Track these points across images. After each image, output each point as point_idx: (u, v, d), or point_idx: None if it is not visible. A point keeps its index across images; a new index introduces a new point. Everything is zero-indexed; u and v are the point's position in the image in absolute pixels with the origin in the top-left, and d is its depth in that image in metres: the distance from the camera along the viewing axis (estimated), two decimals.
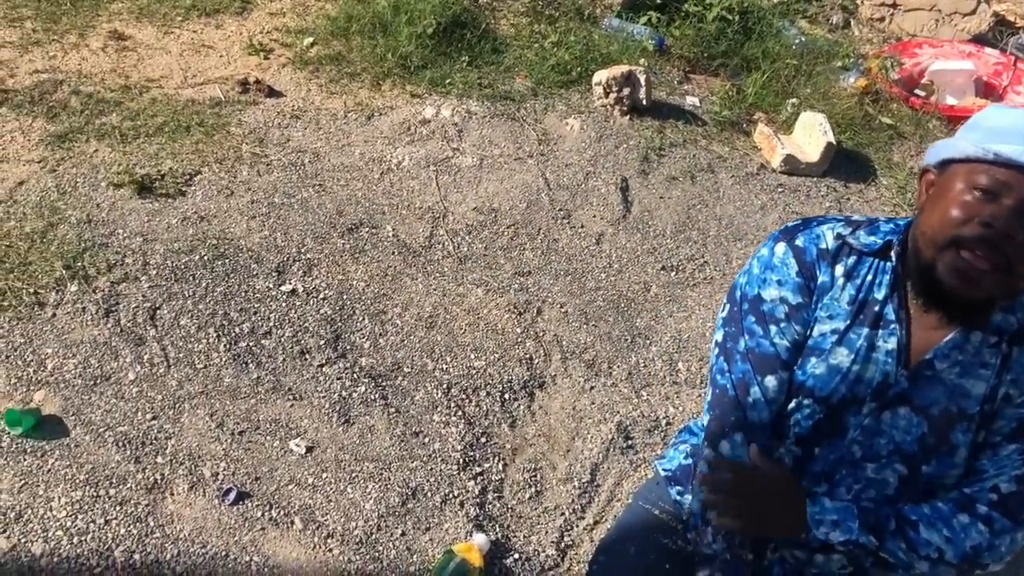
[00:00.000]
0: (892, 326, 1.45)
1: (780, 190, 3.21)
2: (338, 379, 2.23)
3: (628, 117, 3.32)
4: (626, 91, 3.30)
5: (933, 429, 1.51)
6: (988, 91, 4.09)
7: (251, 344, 2.27)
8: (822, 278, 1.46)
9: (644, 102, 3.35)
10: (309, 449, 2.07)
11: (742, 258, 2.89)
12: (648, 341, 2.55)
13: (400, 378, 2.28)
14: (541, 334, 2.48)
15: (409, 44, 3.42)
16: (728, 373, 1.54)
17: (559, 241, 2.77)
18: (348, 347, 2.32)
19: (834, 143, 3.28)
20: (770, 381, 1.50)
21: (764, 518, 1.53)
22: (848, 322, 1.46)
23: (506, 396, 2.30)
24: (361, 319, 2.40)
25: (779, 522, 1.53)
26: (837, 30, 4.47)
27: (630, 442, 2.25)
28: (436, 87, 3.31)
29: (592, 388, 2.38)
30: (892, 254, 1.44)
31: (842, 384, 1.50)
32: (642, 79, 3.32)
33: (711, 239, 2.93)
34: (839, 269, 1.46)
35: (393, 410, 2.20)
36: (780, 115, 3.58)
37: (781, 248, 1.47)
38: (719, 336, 1.56)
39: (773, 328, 1.48)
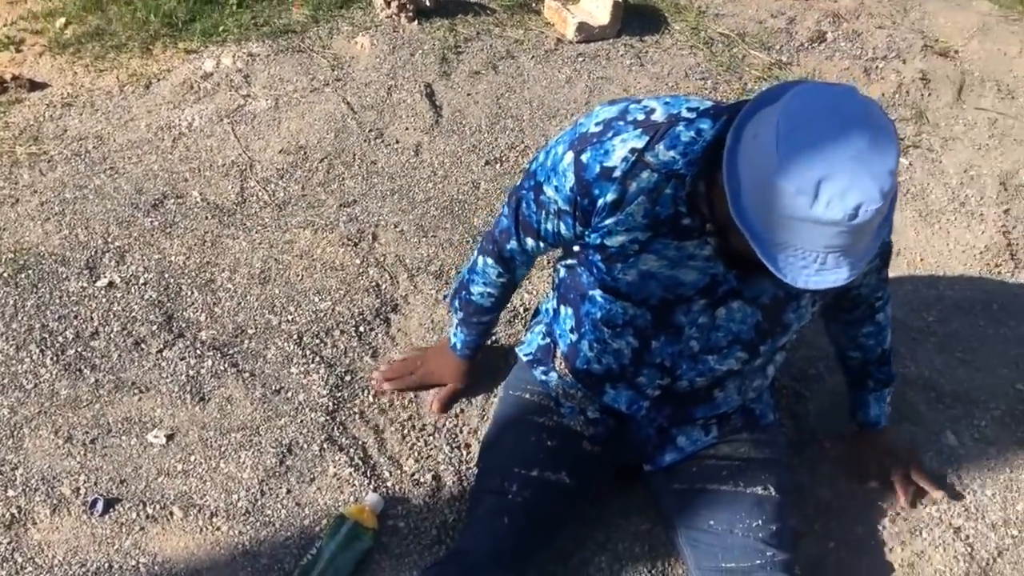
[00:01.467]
0: (703, 236, 1.46)
1: (581, 59, 3.20)
2: (181, 360, 2.12)
3: (416, 22, 3.23)
4: None
5: (767, 315, 1.60)
6: None
7: (80, 349, 2.12)
8: (605, 198, 1.45)
9: (428, 3, 3.25)
10: (169, 437, 1.97)
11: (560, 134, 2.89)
12: None
13: (246, 341, 2.19)
14: (382, 259, 2.42)
15: (170, 0, 3.19)
16: (504, 217, 1.73)
17: (377, 162, 2.69)
18: (184, 325, 2.20)
19: (620, 1, 3.28)
20: (529, 241, 1.69)
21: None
22: (648, 234, 1.46)
23: (361, 329, 2.25)
24: (190, 293, 2.28)
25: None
26: None
27: (494, 337, 2.23)
28: (210, 38, 3.11)
29: (445, 297, 2.34)
30: (688, 180, 1.40)
31: (657, 287, 1.55)
32: None
33: (526, 123, 2.91)
34: (632, 185, 1.43)
35: (247, 375, 2.11)
36: None
37: (568, 158, 1.46)
38: (517, 184, 1.69)
39: (543, 214, 1.59)
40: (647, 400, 1.75)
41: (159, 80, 2.95)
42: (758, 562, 1.73)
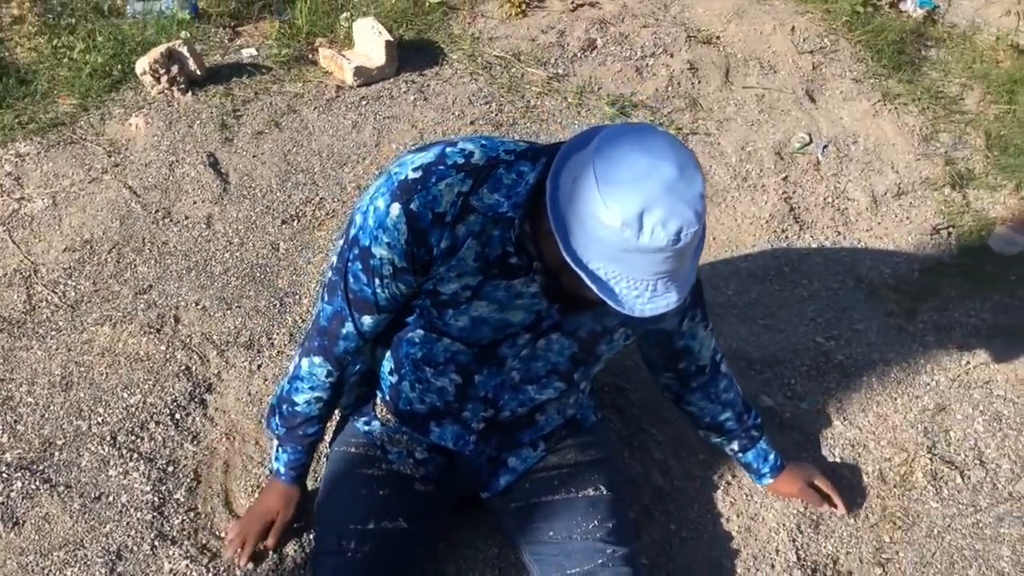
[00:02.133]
0: (530, 274, 1.50)
1: (364, 103, 3.22)
2: None
3: (190, 93, 3.17)
4: (175, 69, 3.14)
5: (582, 347, 1.67)
6: None
7: None
8: (441, 245, 1.44)
9: (199, 73, 3.20)
10: None
11: (356, 180, 2.90)
12: (297, 296, 2.51)
13: (56, 453, 2.09)
14: (188, 340, 2.36)
15: None
16: (327, 303, 1.59)
17: (168, 242, 2.62)
18: None
19: (392, 40, 3.33)
20: (366, 319, 1.58)
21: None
22: (479, 277, 1.48)
23: (177, 416, 2.18)
24: None
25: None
26: None
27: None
28: None
29: (260, 366, 2.31)
30: (516, 223, 1.44)
31: (488, 331, 1.58)
32: (185, 51, 3.16)
33: (318, 175, 2.90)
34: (461, 230, 1.44)
35: (63, 488, 2.01)
36: (338, 34, 3.57)
37: (395, 210, 1.41)
38: (331, 264, 1.57)
39: (377, 281, 1.50)
40: (473, 434, 1.78)
41: None
42: (600, 561, 1.78)
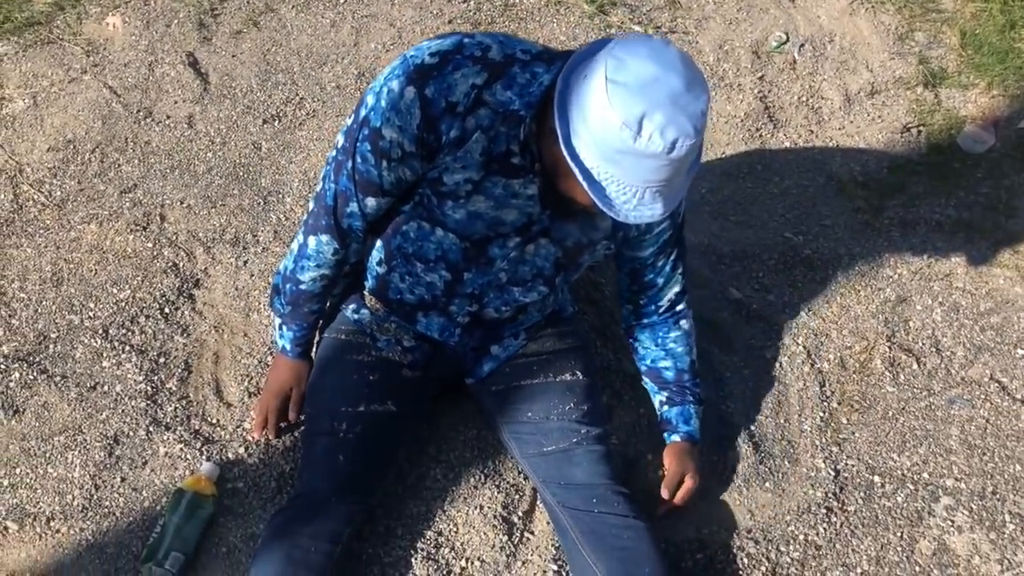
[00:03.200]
0: (530, 175, 1.56)
1: (342, 1, 3.20)
2: None
3: None
4: None
5: (566, 254, 1.77)
6: None
7: None
8: (450, 134, 1.47)
9: None
10: None
11: (335, 80, 2.92)
12: (281, 195, 2.56)
13: (51, 345, 2.17)
14: (174, 237, 2.42)
15: None
16: (333, 183, 1.63)
17: (151, 142, 2.65)
18: None
19: None
20: (370, 201, 1.62)
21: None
22: (482, 172, 1.54)
23: (167, 311, 2.26)
24: None
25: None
26: None
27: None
28: None
29: (246, 262, 2.38)
30: (524, 123, 1.47)
31: (482, 226, 1.65)
32: None
33: (298, 75, 2.92)
34: (471, 122, 1.46)
35: (59, 378, 2.11)
36: None
37: (410, 92, 1.44)
38: (337, 144, 1.60)
39: (384, 163, 1.52)
40: (458, 327, 1.87)
41: None
42: (574, 440, 1.89)
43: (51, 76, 2.83)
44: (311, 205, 1.73)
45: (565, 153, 1.34)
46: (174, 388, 2.11)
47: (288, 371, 1.97)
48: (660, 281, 1.94)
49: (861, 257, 2.63)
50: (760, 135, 2.99)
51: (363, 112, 1.51)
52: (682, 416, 2.00)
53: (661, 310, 1.98)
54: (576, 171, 1.35)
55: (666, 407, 2.02)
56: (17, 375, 2.10)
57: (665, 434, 2.01)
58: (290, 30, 3.08)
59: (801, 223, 2.72)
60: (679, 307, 1.99)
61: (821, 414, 2.25)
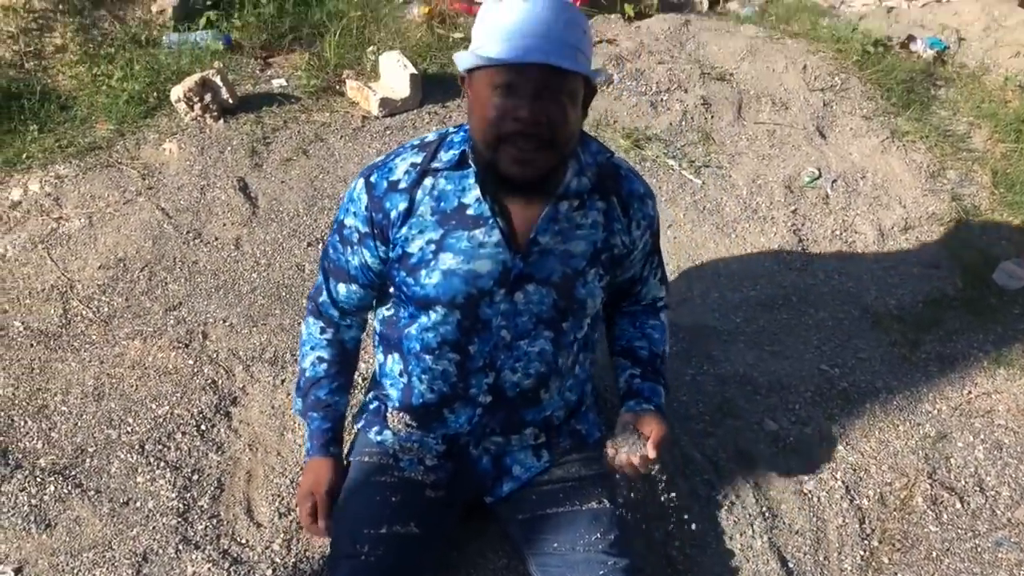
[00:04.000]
0: (490, 220, 1.66)
1: (388, 132, 3.35)
2: (22, 491, 2.10)
3: (222, 121, 3.31)
4: (208, 97, 3.28)
5: (560, 293, 1.77)
6: None
7: None
8: (398, 207, 1.68)
9: (231, 101, 3.34)
10: (18, 570, 1.95)
11: None
12: None
13: (88, 460, 2.19)
14: (215, 355, 2.46)
15: None
16: (321, 272, 1.91)
17: (198, 262, 2.74)
18: (20, 456, 2.19)
19: (417, 73, 3.46)
20: (341, 288, 1.85)
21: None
22: (441, 231, 1.68)
23: (203, 427, 2.28)
24: (23, 423, 2.26)
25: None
26: None
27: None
28: (14, 167, 3.10)
29: (283, 381, 2.41)
30: (470, 161, 1.66)
31: (460, 282, 1.72)
32: (218, 80, 3.30)
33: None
34: (418, 193, 1.68)
35: (93, 492, 2.11)
36: (365, 66, 3.71)
37: (360, 184, 1.72)
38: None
39: (348, 249, 1.77)
40: (481, 407, 1.86)
41: None
42: (601, 572, 1.85)
43: (107, 197, 2.95)
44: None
45: (461, 63, 1.56)
46: (206, 506, 2.11)
47: (311, 472, 1.95)
48: (645, 290, 1.99)
49: (899, 391, 2.60)
50: (794, 267, 3.02)
51: (336, 216, 1.78)
52: (654, 392, 1.92)
53: (642, 303, 2.03)
54: (464, 58, 1.54)
55: (637, 380, 1.94)
56: (52, 488, 2.11)
57: (633, 402, 1.89)
58: (338, 158, 3.20)
59: (837, 355, 2.71)
60: (659, 304, 2.04)
61: (862, 552, 2.18)
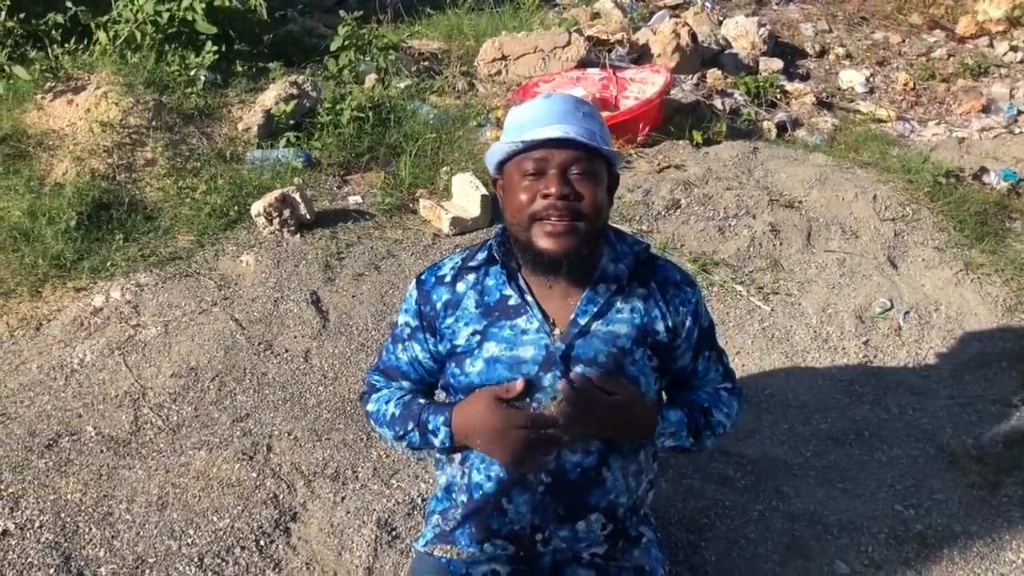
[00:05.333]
0: (525, 309, 1.73)
1: (458, 250, 3.40)
2: None
3: (299, 235, 3.41)
4: (287, 212, 3.39)
5: (608, 372, 1.76)
6: (604, 104, 4.58)
7: None
8: (444, 299, 1.78)
9: (308, 216, 3.45)
10: None
11: None
12: None
13: (147, 571, 2.19)
14: (278, 468, 2.47)
15: (57, 243, 3.31)
16: (371, 373, 1.98)
17: (267, 373, 2.78)
18: (83, 563, 2.20)
19: (488, 194, 3.54)
20: (393, 384, 1.92)
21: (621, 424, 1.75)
22: (484, 322, 1.75)
23: (262, 543, 2.27)
24: (88, 530, 2.28)
25: (636, 426, 1.77)
26: (464, 95, 4.83)
27: (394, 532, 2.29)
28: (99, 273, 3.23)
29: (343, 498, 2.40)
30: (496, 255, 1.76)
31: (503, 368, 1.74)
32: (297, 196, 3.42)
33: None
34: (461, 287, 1.77)
35: None
36: (438, 186, 3.81)
37: (412, 284, 1.85)
38: None
39: (399, 347, 1.87)
40: (540, 491, 1.80)
41: (49, 321, 3.03)
42: None
43: (184, 306, 3.04)
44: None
45: (491, 162, 1.73)
46: None
47: (469, 410, 1.73)
48: (701, 383, 1.92)
49: (979, 536, 2.47)
50: (866, 400, 2.95)
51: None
52: (681, 420, 1.79)
53: (707, 388, 1.93)
54: (495, 152, 1.69)
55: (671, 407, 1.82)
56: None
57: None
58: (408, 274, 3.26)
59: (912, 495, 2.60)
60: (723, 387, 1.94)
61: None
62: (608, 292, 1.74)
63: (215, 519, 2.32)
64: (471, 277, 1.78)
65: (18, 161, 3.72)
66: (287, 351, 2.88)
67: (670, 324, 1.79)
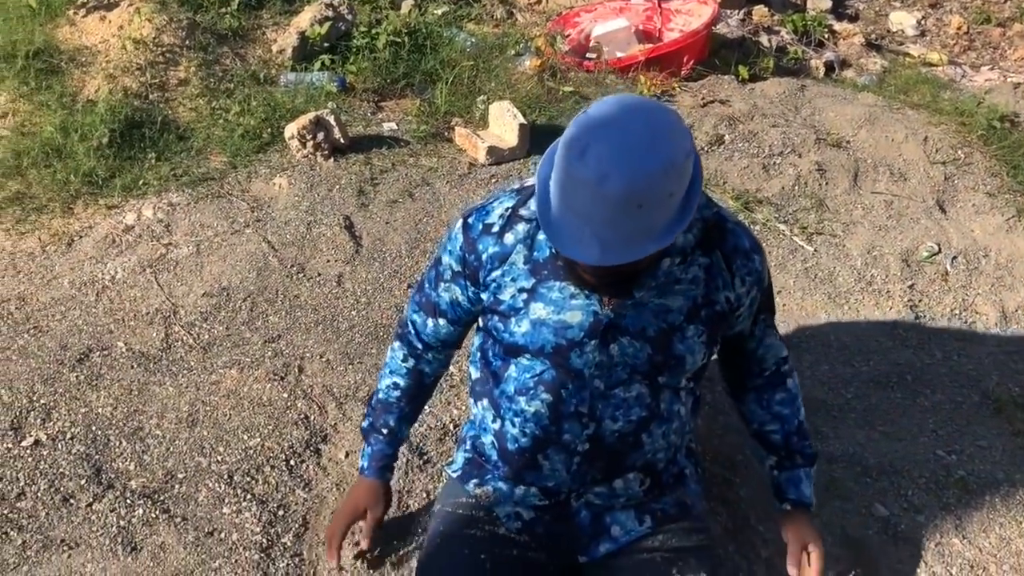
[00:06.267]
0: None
1: (494, 180, 3.33)
2: (112, 511, 2.10)
3: (332, 159, 3.35)
4: (320, 136, 3.32)
5: (656, 348, 1.68)
6: (647, 36, 4.45)
7: (5, 512, 2.09)
8: (489, 251, 1.66)
9: (342, 141, 3.38)
10: None
11: None
12: None
13: (177, 486, 2.18)
14: (309, 390, 2.45)
15: (89, 160, 3.27)
16: (412, 303, 1.91)
17: (300, 296, 2.75)
18: (113, 476, 2.19)
19: (526, 123, 3.45)
20: (429, 322, 1.86)
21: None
22: (533, 280, 1.64)
23: (292, 462, 2.25)
24: (118, 443, 2.27)
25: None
26: (502, 23, 4.70)
27: (425, 457, 2.26)
28: (131, 192, 3.19)
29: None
30: None
31: (549, 333, 1.65)
32: (332, 120, 3.35)
33: None
34: (510, 238, 1.64)
35: (179, 519, 2.10)
36: (474, 114, 3.72)
37: (458, 224, 1.71)
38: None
39: (441, 285, 1.78)
40: (579, 456, 1.77)
41: (81, 237, 3.00)
42: None
43: (216, 227, 3.00)
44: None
45: (537, 204, 1.44)
46: (289, 543, 2.06)
47: (363, 491, 1.97)
48: (760, 349, 1.87)
49: (1022, 484, 2.41)
50: (910, 344, 2.87)
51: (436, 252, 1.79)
52: (791, 481, 1.92)
53: (766, 373, 1.91)
54: (537, 204, 1.44)
55: (776, 471, 1.94)
56: (140, 511, 2.10)
57: (776, 502, 1.95)
58: (442, 203, 3.20)
59: (954, 441, 2.53)
60: (783, 368, 1.91)
61: None
62: (671, 265, 1.62)
63: (245, 437, 2.30)
64: (521, 228, 1.63)
65: (50, 76, 3.66)
66: (319, 275, 2.84)
67: (732, 295, 1.68)
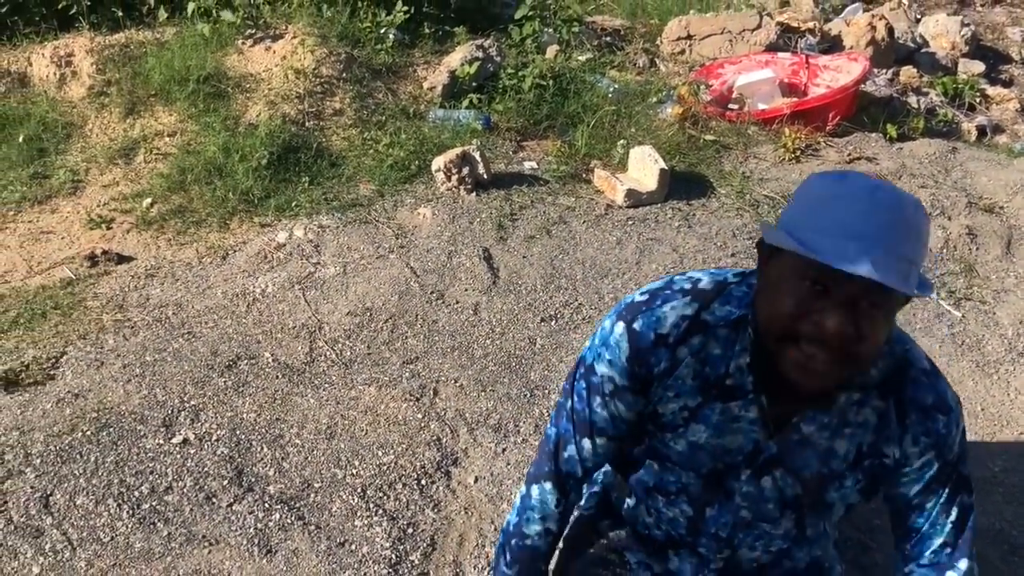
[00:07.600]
0: (750, 395, 1.43)
1: (630, 222, 3.35)
2: (250, 513, 2.18)
3: (474, 194, 3.43)
4: (465, 170, 3.42)
5: (807, 490, 1.53)
6: (792, 90, 4.41)
7: (154, 504, 2.20)
8: (660, 365, 1.44)
9: (485, 177, 3.46)
10: None
11: (612, 292, 3.00)
12: (546, 391, 2.59)
13: (312, 494, 2.25)
14: (443, 413, 2.49)
15: (247, 179, 3.46)
16: (554, 426, 1.60)
17: (438, 321, 2.81)
18: (253, 479, 2.28)
19: (666, 168, 3.46)
20: (586, 443, 1.55)
21: None
22: (699, 399, 1.45)
23: (423, 482, 2.29)
24: (260, 449, 2.36)
25: None
26: (645, 71, 4.75)
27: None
28: (284, 212, 3.34)
29: (504, 450, 2.39)
30: (749, 328, 1.41)
31: (707, 457, 1.52)
32: (477, 156, 3.44)
33: (580, 282, 3.03)
34: (682, 351, 1.43)
35: (313, 527, 2.16)
36: (613, 157, 3.76)
37: (620, 328, 1.45)
38: (563, 388, 1.59)
39: (597, 399, 1.50)
40: (711, 571, 1.71)
41: (235, 251, 3.16)
42: None
43: (362, 250, 3.11)
44: (537, 453, 1.66)
45: (774, 238, 1.25)
46: (416, 561, 2.09)
47: None
48: (927, 527, 1.54)
49: None
50: None
51: (582, 355, 1.52)
52: None
53: (926, 562, 1.55)
54: (783, 229, 1.25)
55: None
56: (277, 516, 2.18)
57: None
58: (578, 241, 3.23)
59: None
60: (959, 563, 1.53)
61: None
62: (847, 402, 1.42)
63: (380, 453, 2.36)
64: (696, 341, 1.42)
65: (217, 100, 3.89)
66: (458, 302, 2.90)
67: (899, 451, 1.46)
